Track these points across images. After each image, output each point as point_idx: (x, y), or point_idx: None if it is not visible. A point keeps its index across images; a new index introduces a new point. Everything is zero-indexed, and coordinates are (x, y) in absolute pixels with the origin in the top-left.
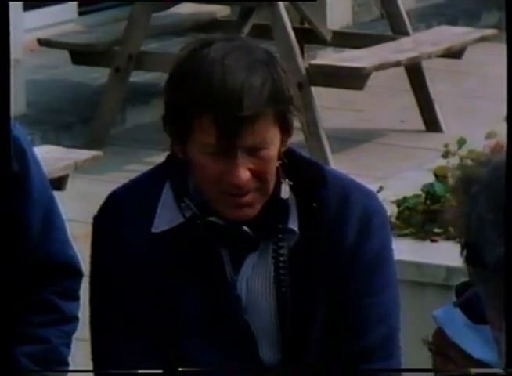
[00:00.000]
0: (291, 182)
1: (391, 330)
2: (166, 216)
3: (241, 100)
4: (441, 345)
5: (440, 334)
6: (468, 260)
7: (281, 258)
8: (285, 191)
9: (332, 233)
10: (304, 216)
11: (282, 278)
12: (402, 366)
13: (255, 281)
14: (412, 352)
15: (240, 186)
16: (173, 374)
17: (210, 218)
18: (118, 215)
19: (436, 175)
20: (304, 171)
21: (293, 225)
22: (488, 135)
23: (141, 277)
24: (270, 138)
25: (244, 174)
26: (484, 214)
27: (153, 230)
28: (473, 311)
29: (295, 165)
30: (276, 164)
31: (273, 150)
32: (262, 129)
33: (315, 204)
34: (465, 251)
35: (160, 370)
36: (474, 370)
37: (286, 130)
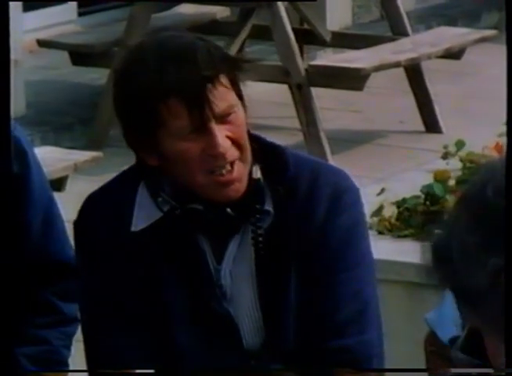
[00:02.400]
0: (261, 165)
1: (364, 306)
2: (144, 214)
3: (197, 64)
4: (435, 347)
5: (432, 336)
6: (460, 297)
7: (260, 239)
8: (256, 172)
9: (303, 213)
10: (276, 198)
11: (262, 260)
12: (397, 366)
13: (238, 267)
14: (410, 352)
15: (224, 154)
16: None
17: (190, 206)
18: (95, 217)
19: (436, 179)
20: (269, 155)
21: (269, 206)
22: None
23: (126, 276)
24: (234, 102)
25: (225, 141)
26: (465, 237)
27: (132, 229)
28: (475, 349)
29: (261, 150)
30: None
31: (241, 114)
32: (225, 93)
33: (280, 188)
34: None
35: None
36: (465, 371)
37: (242, 98)
